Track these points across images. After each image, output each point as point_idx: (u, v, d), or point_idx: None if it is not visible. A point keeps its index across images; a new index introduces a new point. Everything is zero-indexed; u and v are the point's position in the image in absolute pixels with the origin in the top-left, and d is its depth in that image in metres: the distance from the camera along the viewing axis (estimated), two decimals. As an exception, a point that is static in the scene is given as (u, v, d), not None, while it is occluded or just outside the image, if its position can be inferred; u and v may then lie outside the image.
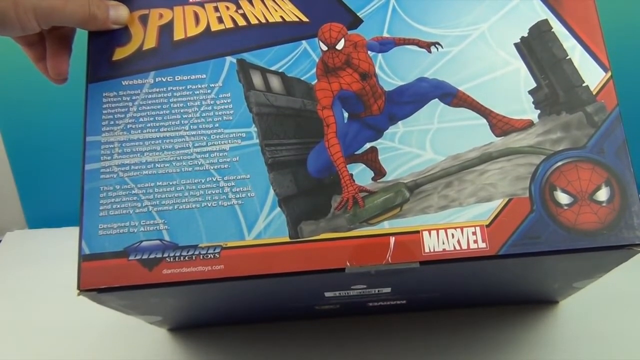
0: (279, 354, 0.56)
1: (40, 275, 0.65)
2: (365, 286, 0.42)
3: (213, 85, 0.40)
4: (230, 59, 0.41)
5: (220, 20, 0.42)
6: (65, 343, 0.58)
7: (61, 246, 0.60)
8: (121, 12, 0.41)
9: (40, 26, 0.38)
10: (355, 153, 0.39)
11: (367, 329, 0.57)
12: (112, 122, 0.40)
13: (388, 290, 0.44)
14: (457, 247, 0.36)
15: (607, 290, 0.56)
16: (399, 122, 0.39)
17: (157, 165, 0.39)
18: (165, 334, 0.58)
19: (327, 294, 0.44)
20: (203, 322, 0.56)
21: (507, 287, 0.49)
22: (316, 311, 0.52)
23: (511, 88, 0.39)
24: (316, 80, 0.40)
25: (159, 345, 0.57)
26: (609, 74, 0.39)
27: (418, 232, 0.37)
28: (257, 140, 0.39)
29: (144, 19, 0.42)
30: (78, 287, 0.37)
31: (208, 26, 0.41)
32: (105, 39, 0.41)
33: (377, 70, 0.40)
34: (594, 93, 0.39)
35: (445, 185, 0.38)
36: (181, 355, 0.56)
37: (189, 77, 0.40)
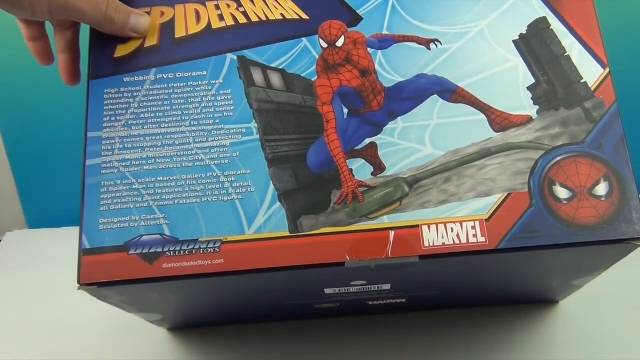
0: (279, 354, 0.55)
1: (40, 275, 0.65)
2: (364, 282, 0.42)
3: (214, 81, 0.40)
4: (231, 56, 0.41)
5: (221, 18, 0.42)
6: (65, 343, 0.58)
7: (61, 246, 0.60)
8: (143, 21, 0.41)
9: (52, 16, 0.38)
10: (355, 148, 0.39)
11: (367, 329, 0.56)
12: (113, 118, 0.40)
13: (388, 287, 0.44)
14: (457, 241, 0.36)
15: (607, 290, 0.57)
16: (399, 118, 0.39)
17: (157, 160, 0.39)
18: (165, 334, 0.58)
19: (327, 291, 0.44)
20: (203, 322, 0.56)
21: (507, 285, 0.49)
22: (316, 310, 0.52)
23: (510, 84, 0.39)
24: (316, 77, 0.40)
25: (159, 345, 0.57)
26: (607, 70, 0.39)
27: (417, 226, 0.37)
28: (258, 136, 0.39)
29: (145, 17, 0.42)
30: (78, 282, 0.37)
31: (209, 24, 0.42)
32: (107, 37, 0.41)
33: (377, 67, 0.40)
34: (593, 89, 0.39)
35: (445, 180, 0.38)
36: (181, 355, 0.56)
37: (190, 74, 0.41)
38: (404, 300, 0.51)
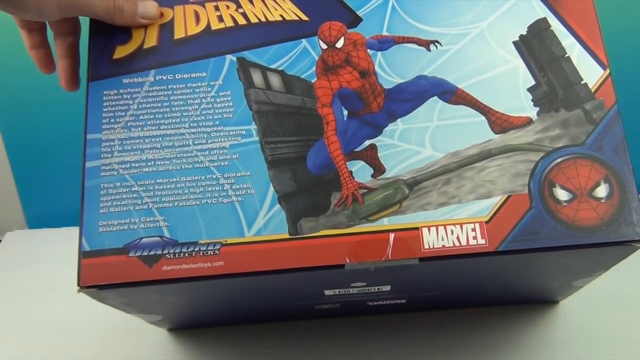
0: (279, 354, 0.56)
1: (40, 275, 0.65)
2: (364, 284, 0.42)
3: (213, 83, 0.40)
4: (230, 57, 0.41)
5: (220, 19, 0.42)
6: (65, 343, 0.58)
7: (61, 246, 0.60)
8: (151, 6, 0.41)
9: (60, 15, 0.38)
10: (355, 150, 0.39)
11: (367, 329, 0.57)
12: (112, 120, 0.40)
13: (388, 288, 0.44)
14: (457, 244, 0.36)
15: (607, 290, 0.56)
16: (399, 120, 0.39)
17: (157, 162, 0.39)
18: (165, 334, 0.58)
19: (327, 293, 0.44)
20: (203, 322, 0.56)
21: (507, 286, 0.49)
22: (316, 311, 0.52)
23: (510, 86, 0.39)
24: (316, 79, 0.40)
25: (159, 345, 0.57)
26: (608, 71, 0.39)
27: (417, 228, 0.37)
28: (257, 138, 0.39)
29: (144, 18, 0.42)
30: (78, 284, 0.37)
31: (208, 25, 0.42)
32: (106, 38, 0.41)
33: (377, 69, 0.40)
34: (593, 90, 0.39)
35: (445, 182, 0.38)
36: (181, 355, 0.56)
37: (189, 75, 0.41)
38: (404, 301, 0.51)
